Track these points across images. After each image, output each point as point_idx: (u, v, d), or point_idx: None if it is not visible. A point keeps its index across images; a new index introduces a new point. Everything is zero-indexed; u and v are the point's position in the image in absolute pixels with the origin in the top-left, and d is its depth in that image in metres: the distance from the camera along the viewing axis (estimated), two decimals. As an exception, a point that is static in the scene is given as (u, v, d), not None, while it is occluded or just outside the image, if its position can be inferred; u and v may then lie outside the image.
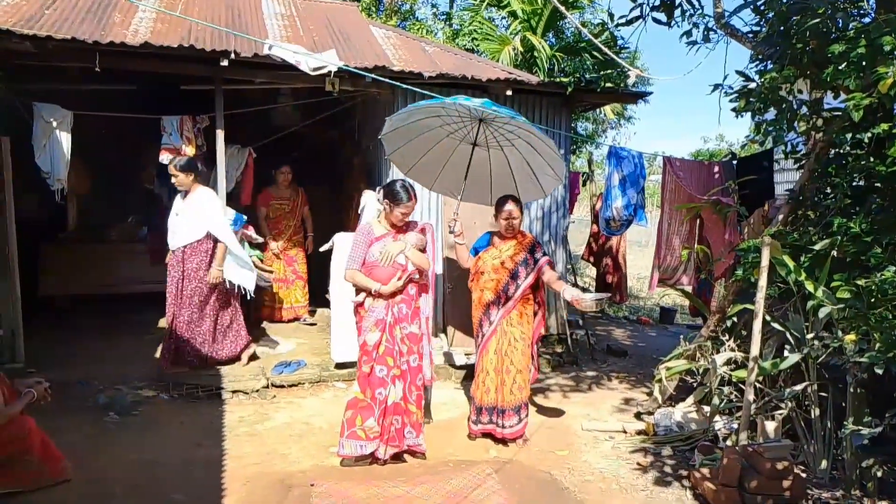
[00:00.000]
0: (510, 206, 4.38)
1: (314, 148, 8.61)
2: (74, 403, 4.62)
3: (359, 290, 4.00)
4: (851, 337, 3.58)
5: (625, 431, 4.72)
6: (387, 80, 5.13)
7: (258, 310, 6.96)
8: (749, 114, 4.89)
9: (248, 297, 5.54)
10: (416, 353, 4.05)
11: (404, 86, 5.10)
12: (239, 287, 5.33)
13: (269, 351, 5.99)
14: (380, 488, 3.67)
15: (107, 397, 4.74)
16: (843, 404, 3.92)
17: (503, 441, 4.39)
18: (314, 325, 7.00)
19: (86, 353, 5.67)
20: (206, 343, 5.22)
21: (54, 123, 5.21)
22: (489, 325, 4.40)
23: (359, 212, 6.17)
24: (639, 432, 4.70)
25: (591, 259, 9.77)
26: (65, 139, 5.24)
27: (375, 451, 3.93)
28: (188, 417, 4.63)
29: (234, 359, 5.40)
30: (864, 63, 3.77)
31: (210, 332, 5.24)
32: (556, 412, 5.12)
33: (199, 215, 5.08)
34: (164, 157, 5.71)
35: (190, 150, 5.67)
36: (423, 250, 4.08)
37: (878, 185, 4.24)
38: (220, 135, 5.54)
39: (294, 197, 6.97)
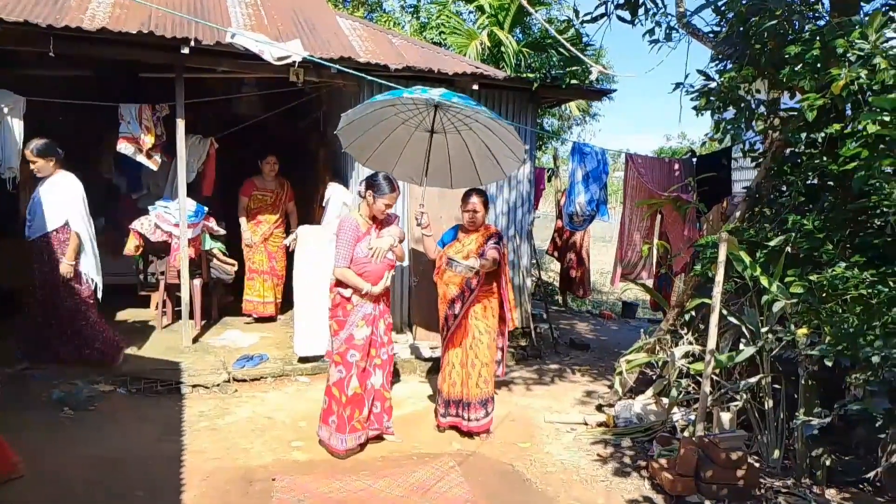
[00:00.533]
0: (474, 199, 4.41)
1: (278, 139, 8.48)
2: (27, 399, 4.48)
3: (340, 284, 3.99)
4: (803, 330, 3.70)
5: (586, 423, 4.79)
6: (352, 71, 5.10)
7: (220, 302, 6.84)
8: (709, 112, 5.00)
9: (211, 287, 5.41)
10: (392, 342, 4.24)
11: (370, 77, 5.07)
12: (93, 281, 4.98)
13: (231, 345, 5.91)
14: (342, 482, 3.66)
15: (62, 392, 4.60)
16: (796, 396, 4.05)
17: (468, 434, 4.42)
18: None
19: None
20: (63, 340, 4.93)
21: (5, 109, 5.03)
22: (454, 318, 4.41)
23: (323, 204, 6.11)
24: (600, 424, 4.79)
25: (556, 254, 9.89)
26: (17, 126, 5.07)
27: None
28: (146, 412, 4.53)
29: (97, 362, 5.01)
30: (818, 64, 3.89)
31: (71, 329, 4.93)
32: (520, 405, 5.18)
33: (57, 203, 4.74)
34: (123, 147, 5.58)
35: (149, 140, 5.53)
36: (400, 240, 4.21)
37: (831, 183, 4.39)
38: (180, 124, 5.42)
39: (278, 190, 6.72)
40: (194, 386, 5.01)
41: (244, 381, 5.21)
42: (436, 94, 3.99)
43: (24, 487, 3.38)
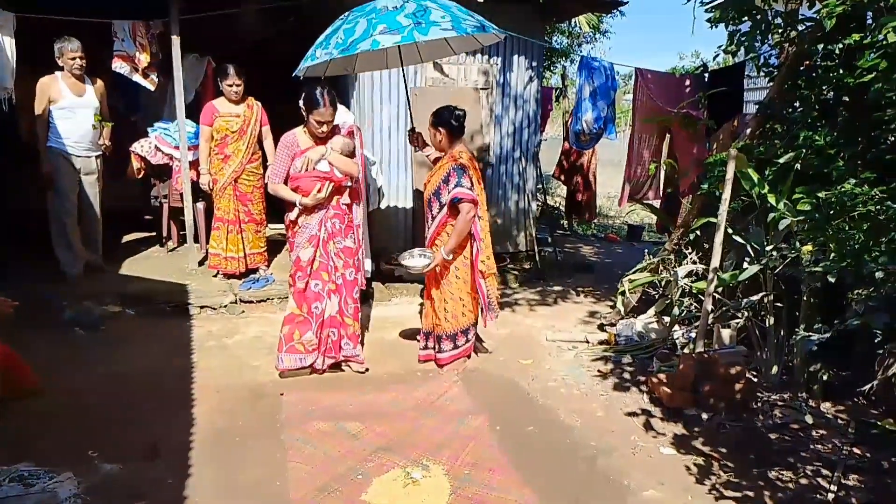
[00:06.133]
0: (431, 119, 3.94)
1: (280, 59, 8.24)
2: (40, 319, 4.57)
3: (290, 206, 3.87)
4: (808, 248, 3.68)
5: (587, 342, 4.86)
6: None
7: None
8: (723, 26, 4.79)
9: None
10: (352, 267, 4.01)
11: (370, -11, 4.83)
12: None
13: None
14: (349, 395, 3.76)
15: (73, 312, 4.70)
16: (797, 314, 4.07)
17: (440, 365, 4.22)
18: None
19: (51, 269, 5.57)
20: None
21: (-5, 27, 4.88)
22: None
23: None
24: (601, 342, 4.85)
25: (562, 177, 9.79)
26: (7, 43, 4.92)
27: (314, 363, 3.97)
28: (156, 332, 4.63)
29: None
30: (840, -32, 3.67)
31: None
32: (522, 324, 5.24)
33: None
34: (118, 66, 5.44)
35: (144, 58, 5.38)
36: (351, 155, 3.93)
37: (846, 98, 4.25)
38: (175, 41, 5.25)
39: (245, 113, 5.32)
40: (202, 307, 5.09)
41: (251, 302, 5.28)
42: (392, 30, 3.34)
43: (42, 400, 3.51)
